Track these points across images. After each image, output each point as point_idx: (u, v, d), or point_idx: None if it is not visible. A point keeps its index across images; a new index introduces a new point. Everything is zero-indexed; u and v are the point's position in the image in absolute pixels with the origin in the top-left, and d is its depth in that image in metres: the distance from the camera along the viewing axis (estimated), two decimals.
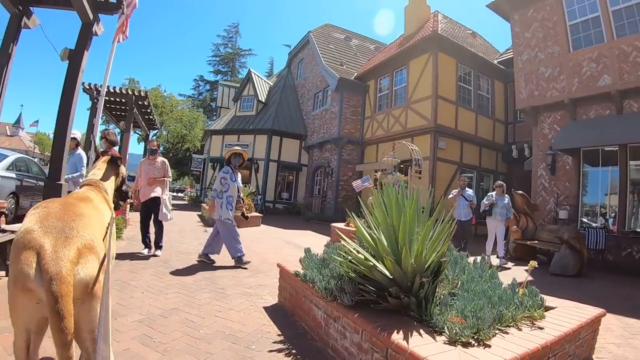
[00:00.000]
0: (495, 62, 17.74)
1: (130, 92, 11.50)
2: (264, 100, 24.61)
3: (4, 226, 4.60)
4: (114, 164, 2.73)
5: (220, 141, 24.37)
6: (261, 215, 14.48)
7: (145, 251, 6.59)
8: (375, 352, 2.56)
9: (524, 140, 15.64)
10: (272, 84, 27.36)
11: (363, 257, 3.12)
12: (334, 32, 26.23)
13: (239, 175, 6.85)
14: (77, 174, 6.37)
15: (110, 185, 2.61)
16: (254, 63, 49.57)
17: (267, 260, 7.14)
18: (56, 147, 5.36)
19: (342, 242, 3.44)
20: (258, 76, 26.38)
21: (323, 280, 3.36)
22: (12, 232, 4.39)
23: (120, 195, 2.91)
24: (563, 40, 10.83)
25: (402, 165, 14.14)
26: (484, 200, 8.90)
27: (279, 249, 8.50)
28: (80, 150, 6.73)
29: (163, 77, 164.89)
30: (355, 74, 20.75)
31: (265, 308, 4.26)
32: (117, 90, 11.33)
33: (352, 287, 3.01)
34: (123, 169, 2.92)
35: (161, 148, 6.46)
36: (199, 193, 26.57)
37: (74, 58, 5.42)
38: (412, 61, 16.35)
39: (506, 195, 8.86)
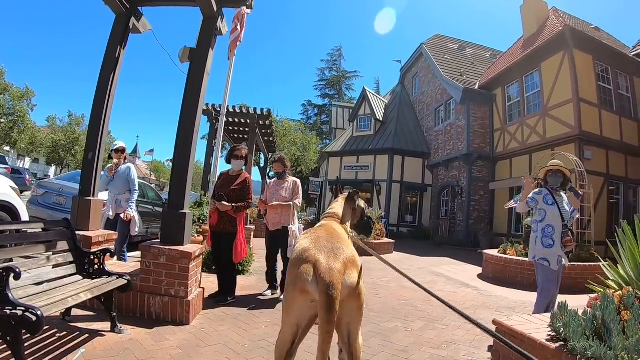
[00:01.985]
0: (632, 55, 16.25)
1: (252, 112, 11.18)
2: (381, 119, 24.79)
3: (110, 268, 3.91)
4: (351, 200, 3.20)
5: (338, 163, 25.01)
6: (393, 241, 14.00)
7: (269, 293, 5.88)
8: None
9: None
10: (386, 102, 27.46)
11: None
12: (446, 43, 26.01)
13: (563, 197, 5.27)
14: (132, 199, 5.95)
15: (346, 218, 3.15)
16: (360, 85, 51.64)
17: (431, 301, 6.10)
18: (177, 171, 4.56)
19: None
20: (373, 94, 26.87)
21: (627, 353, 2.33)
22: (121, 276, 3.72)
23: (361, 229, 3.38)
24: None
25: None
26: None
27: (434, 285, 7.97)
28: (130, 164, 6.26)
29: (271, 104, 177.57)
30: (479, 84, 20.25)
31: None
32: (238, 110, 11.11)
33: None
34: (361, 203, 3.36)
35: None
36: (315, 217, 27.12)
37: (197, 58, 4.76)
38: (544, 63, 15.58)
39: None
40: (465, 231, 18.70)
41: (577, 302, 3.54)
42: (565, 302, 3.16)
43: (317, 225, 2.82)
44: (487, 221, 18.77)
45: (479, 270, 10.08)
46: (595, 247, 9.40)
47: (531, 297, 7.40)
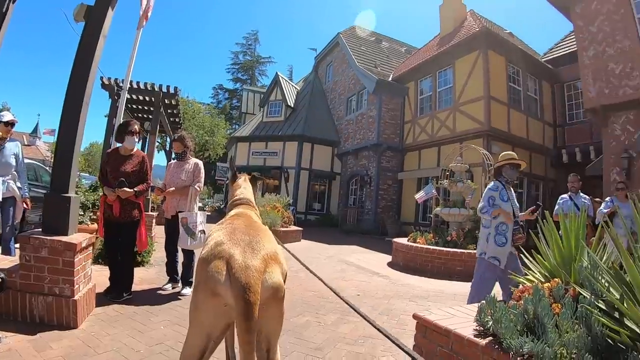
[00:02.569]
0: (543, 61, 17.63)
1: (157, 89, 10.12)
2: (292, 105, 24.50)
3: None
4: (255, 181, 3.02)
5: (246, 148, 24.36)
6: (301, 229, 13.73)
7: (169, 287, 5.26)
8: None
9: (574, 144, 15.72)
10: (299, 89, 27.20)
11: None
12: (362, 34, 26.22)
13: (512, 191, 5.14)
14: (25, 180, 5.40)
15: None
16: (273, 72, 50.68)
17: (343, 291, 5.96)
18: (62, 147, 3.93)
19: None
20: (285, 80, 26.31)
21: (565, 349, 2.21)
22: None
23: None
24: (633, 34, 10.52)
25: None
26: (602, 208, 7.33)
27: (345, 274, 7.77)
28: (17, 140, 5.50)
29: (180, 85, 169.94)
30: (393, 76, 20.58)
31: None
32: (142, 86, 10.03)
33: None
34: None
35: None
36: (222, 204, 26.36)
37: (94, 17, 4.13)
38: (459, 60, 16.20)
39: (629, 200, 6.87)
40: (373, 219, 18.98)
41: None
42: (494, 295, 2.96)
43: (230, 214, 2.51)
44: (395, 210, 19.29)
45: (389, 258, 10.07)
46: None
47: (442, 285, 7.37)
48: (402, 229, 17.04)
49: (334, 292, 2.12)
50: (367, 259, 10.30)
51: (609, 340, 2.17)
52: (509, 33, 19.51)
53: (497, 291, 3.76)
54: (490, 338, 2.62)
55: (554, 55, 18.12)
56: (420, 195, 11.47)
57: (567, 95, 17.02)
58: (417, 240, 9.38)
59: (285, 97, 24.41)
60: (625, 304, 2.23)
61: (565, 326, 2.45)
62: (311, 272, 2.25)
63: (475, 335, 2.69)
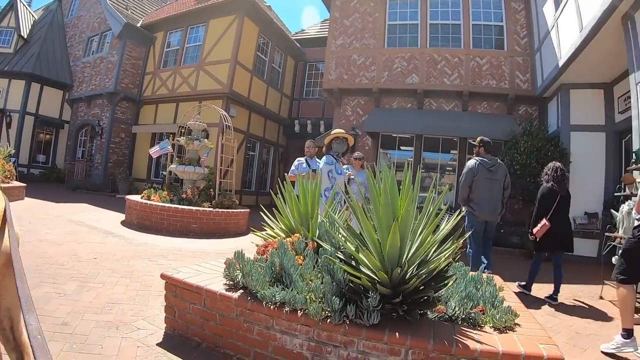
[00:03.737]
0: (292, 38, 20.95)
1: None
2: (26, 37, 22.65)
3: None
4: None
5: None
6: (24, 185, 13.16)
7: None
8: None
9: (307, 117, 20.02)
10: (36, 18, 25.11)
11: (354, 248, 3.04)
12: None
13: (343, 166, 6.20)
14: None
15: None
16: None
17: (79, 256, 6.18)
18: None
19: (339, 233, 3.27)
20: (25, 5, 24.13)
21: (314, 294, 2.95)
22: None
23: None
24: (380, 36, 13.91)
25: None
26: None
27: (78, 236, 7.86)
28: None
29: None
30: (142, 22, 20.94)
31: (161, 344, 3.38)
32: None
33: (373, 298, 2.75)
34: None
35: None
36: None
37: None
38: (214, 20, 17.93)
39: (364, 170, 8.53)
40: (103, 175, 19.47)
41: (227, 246, 3.88)
42: (242, 251, 3.47)
43: None
44: (127, 165, 20.05)
45: (122, 217, 10.65)
46: (235, 195, 11.32)
47: (180, 243, 8.12)
48: (134, 186, 18.29)
49: None
50: (98, 217, 10.60)
51: (352, 285, 2.88)
52: (268, 6, 22.16)
53: (245, 246, 4.06)
54: (242, 291, 3.19)
55: (304, 36, 21.81)
56: (154, 150, 12.21)
57: (307, 74, 21.23)
58: (152, 198, 10.00)
59: (20, 25, 22.37)
60: (360, 254, 2.91)
61: (309, 275, 3.11)
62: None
63: (227, 290, 3.21)
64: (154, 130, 19.67)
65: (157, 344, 3.35)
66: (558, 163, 6.70)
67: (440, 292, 3.16)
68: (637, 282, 4.53)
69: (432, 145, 13.77)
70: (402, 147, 14.23)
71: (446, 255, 3.03)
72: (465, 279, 3.72)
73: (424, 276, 2.90)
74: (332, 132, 6.75)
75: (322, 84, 15.89)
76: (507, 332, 2.89)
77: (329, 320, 2.78)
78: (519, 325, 3.06)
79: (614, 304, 5.97)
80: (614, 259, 6.07)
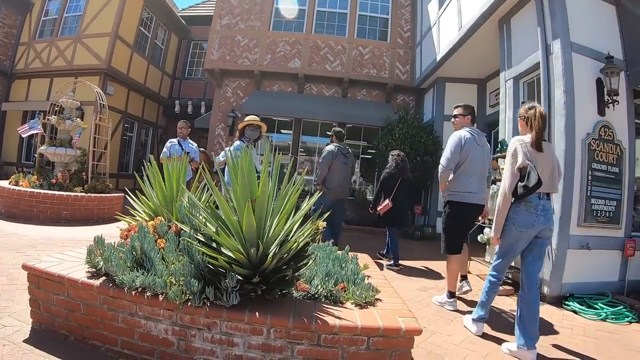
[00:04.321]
0: (178, 15, 21.04)
1: None
2: None
3: None
4: None
5: None
6: None
7: None
8: (298, 345, 2.91)
9: (188, 97, 20.37)
10: None
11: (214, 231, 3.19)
12: None
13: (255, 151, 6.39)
14: None
15: None
16: None
17: None
18: None
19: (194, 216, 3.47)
20: None
21: (174, 277, 3.10)
22: None
23: None
24: (266, 19, 14.54)
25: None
26: (220, 156, 9.27)
27: None
28: None
29: None
30: None
31: (28, 341, 3.37)
32: None
33: (230, 280, 2.95)
34: None
35: None
36: None
37: None
38: None
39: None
40: None
41: (99, 232, 3.86)
42: (102, 236, 3.50)
43: None
44: None
45: None
46: (109, 179, 11.35)
47: (51, 231, 8.03)
48: (4, 171, 17.62)
49: None
50: None
51: (210, 266, 3.05)
52: None
53: (117, 233, 4.10)
54: (104, 277, 3.27)
55: (192, 13, 22.01)
56: (24, 129, 12.13)
57: (191, 52, 21.57)
58: (20, 183, 9.75)
59: None
60: (220, 236, 3.06)
61: (171, 258, 3.26)
62: None
63: (89, 277, 3.27)
64: (26, 107, 18.84)
65: (24, 341, 3.34)
66: (399, 151, 8.34)
67: (302, 271, 3.47)
68: (459, 252, 5.66)
69: (311, 129, 14.90)
70: (282, 131, 15.18)
71: (305, 235, 3.33)
72: (330, 258, 4.07)
73: (283, 255, 3.15)
74: (246, 119, 7.23)
75: (204, 64, 16.29)
76: (367, 308, 3.25)
77: (189, 303, 2.94)
78: (380, 300, 3.44)
79: (480, 277, 7.11)
80: (479, 237, 7.28)
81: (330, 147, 7.89)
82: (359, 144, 15.00)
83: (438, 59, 11.57)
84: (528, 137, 4.22)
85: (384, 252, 8.29)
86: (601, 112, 6.62)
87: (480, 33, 9.12)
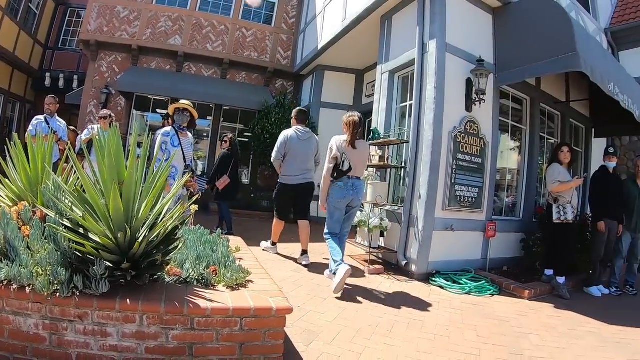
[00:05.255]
0: None
1: None
2: None
3: None
4: None
5: None
6: None
7: None
8: (172, 330, 2.90)
9: (60, 70, 18.71)
10: None
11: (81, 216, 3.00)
12: None
13: (190, 137, 6.73)
14: None
15: None
16: None
17: None
18: None
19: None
20: None
21: (40, 267, 2.91)
22: None
23: None
24: None
25: None
26: (83, 134, 9.46)
27: None
28: None
29: None
30: None
31: None
32: None
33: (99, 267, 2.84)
34: None
35: None
36: None
37: None
38: None
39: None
40: None
41: None
42: None
43: None
44: None
45: None
46: None
47: None
48: None
49: None
50: None
51: (78, 253, 2.88)
52: None
53: None
54: None
55: None
56: None
57: (67, 20, 19.73)
58: None
59: None
60: (87, 221, 2.92)
61: (37, 247, 3.03)
62: None
63: None
64: None
65: None
66: (232, 135, 9.64)
67: (173, 255, 3.47)
68: (284, 218, 7.41)
69: None
70: (157, 110, 14.76)
71: (174, 218, 3.30)
72: (201, 241, 4.18)
73: (153, 239, 3.10)
74: (177, 103, 6.96)
75: (80, 34, 15.34)
76: (239, 290, 3.33)
77: (58, 294, 2.77)
78: (252, 282, 3.55)
79: (352, 257, 7.65)
80: None
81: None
82: (236, 127, 15.20)
83: (320, 47, 11.96)
84: (345, 137, 6.01)
85: (226, 231, 8.61)
86: (468, 108, 7.38)
87: (363, 26, 9.62)
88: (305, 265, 6.73)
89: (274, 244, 7.57)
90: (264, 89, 14.94)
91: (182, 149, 6.50)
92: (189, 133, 6.78)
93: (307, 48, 13.62)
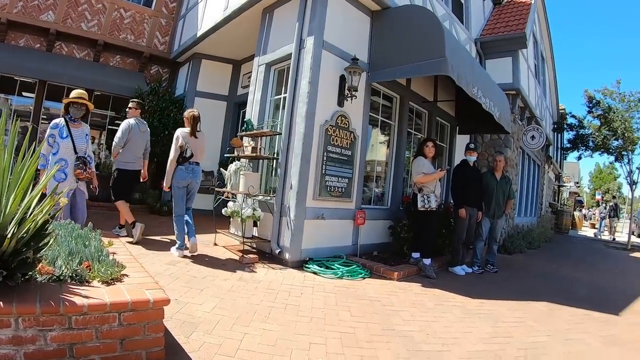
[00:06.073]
0: None
1: None
2: None
3: None
4: None
5: None
6: None
7: None
8: (50, 331, 2.76)
9: None
10: None
11: None
12: None
13: (84, 128, 6.52)
14: None
15: None
16: None
17: None
18: None
19: None
20: None
21: None
22: None
23: None
24: None
25: None
26: None
27: None
28: None
29: None
30: None
31: None
32: None
33: None
34: None
35: None
36: None
37: None
38: None
39: None
40: None
41: None
42: None
43: None
44: None
45: None
46: None
47: None
48: None
49: None
50: None
51: None
52: None
53: None
54: None
55: None
56: None
57: None
58: None
59: None
60: None
61: None
62: None
63: None
64: None
65: None
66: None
67: (44, 252, 3.27)
68: (124, 198, 8.00)
69: (58, 94, 13.00)
70: (23, 93, 13.45)
71: (44, 212, 3.10)
72: (73, 236, 4.02)
73: (22, 236, 2.91)
74: (71, 95, 6.64)
75: None
76: (114, 284, 3.28)
77: None
78: (127, 276, 3.51)
79: (226, 248, 7.87)
80: (223, 211, 7.88)
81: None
82: (107, 114, 14.51)
83: (199, 34, 11.88)
84: (187, 129, 7.04)
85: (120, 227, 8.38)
86: (340, 103, 7.80)
87: (244, 17, 9.67)
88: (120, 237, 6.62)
89: (121, 226, 8.16)
90: (138, 75, 14.40)
91: (72, 140, 6.26)
92: (83, 123, 6.55)
93: (186, 34, 13.42)
